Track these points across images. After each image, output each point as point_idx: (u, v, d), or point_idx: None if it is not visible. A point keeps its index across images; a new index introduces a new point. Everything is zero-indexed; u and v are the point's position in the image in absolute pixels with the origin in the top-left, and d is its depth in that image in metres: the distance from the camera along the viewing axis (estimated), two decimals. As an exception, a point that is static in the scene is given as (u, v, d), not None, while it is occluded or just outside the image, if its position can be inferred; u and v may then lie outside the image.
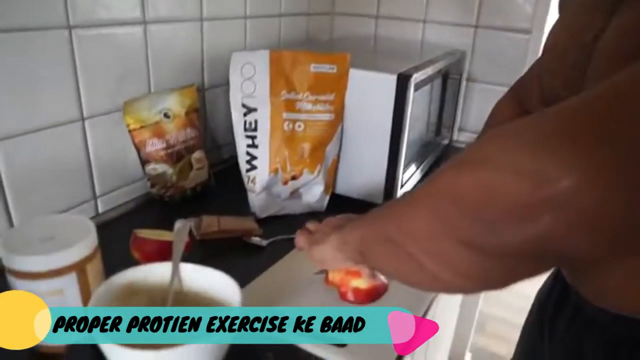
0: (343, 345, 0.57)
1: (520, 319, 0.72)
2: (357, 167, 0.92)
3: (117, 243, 0.70)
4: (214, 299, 0.52)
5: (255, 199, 0.86)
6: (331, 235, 0.49)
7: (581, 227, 0.27)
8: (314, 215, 0.91)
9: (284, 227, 0.83)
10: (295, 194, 0.89)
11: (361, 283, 0.62)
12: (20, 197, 0.71)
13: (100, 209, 0.84)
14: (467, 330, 1.58)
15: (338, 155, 0.92)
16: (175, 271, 0.52)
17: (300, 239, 0.57)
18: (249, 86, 0.82)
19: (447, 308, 1.17)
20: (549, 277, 0.67)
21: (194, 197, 0.92)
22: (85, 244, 0.52)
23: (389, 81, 0.83)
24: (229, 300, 0.49)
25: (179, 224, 0.58)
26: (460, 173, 0.32)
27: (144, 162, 0.87)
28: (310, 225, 0.59)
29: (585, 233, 0.27)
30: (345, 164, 0.93)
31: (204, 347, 0.43)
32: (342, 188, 0.95)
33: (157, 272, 0.53)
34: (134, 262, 0.66)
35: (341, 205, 0.93)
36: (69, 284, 0.51)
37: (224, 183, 0.99)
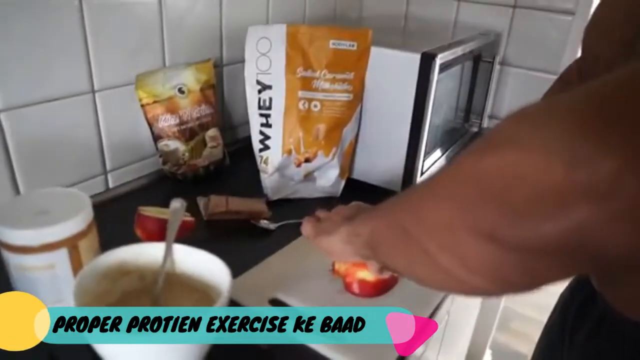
0: (343, 340, 0.54)
1: (547, 318, 0.67)
2: (376, 151, 0.88)
3: (123, 220, 0.68)
4: (205, 282, 0.49)
5: (267, 180, 0.83)
6: (341, 227, 0.47)
7: (623, 219, 0.23)
8: (328, 200, 0.87)
9: (295, 211, 0.79)
10: (309, 177, 0.85)
11: (368, 275, 0.59)
12: (28, 168, 0.70)
13: (111, 184, 0.83)
14: (488, 326, 1.52)
15: (356, 139, 0.87)
16: (168, 252, 0.50)
17: (306, 226, 0.54)
18: (264, 62, 0.78)
19: (465, 303, 1.12)
20: (573, 279, 0.62)
21: (207, 176, 0.90)
22: (79, 219, 0.51)
23: (412, 60, 0.78)
24: (219, 285, 0.47)
25: (174, 204, 0.56)
26: (483, 155, 0.28)
27: (156, 138, 0.85)
28: (320, 212, 0.56)
29: (629, 227, 0.23)
30: (364, 148, 0.89)
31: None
32: (360, 173, 0.91)
33: (150, 252, 0.51)
34: (137, 240, 0.65)
35: (358, 191, 0.89)
36: (61, 259, 0.50)
37: (240, 163, 0.96)
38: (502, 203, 0.26)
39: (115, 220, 0.69)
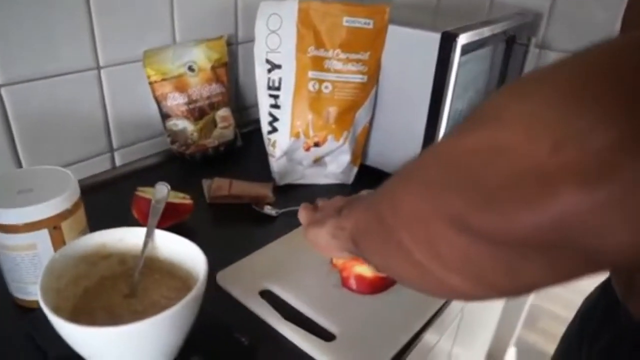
0: (332, 339, 0.50)
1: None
2: (391, 137, 0.82)
3: (127, 200, 0.67)
4: (186, 270, 0.47)
5: (275, 164, 0.80)
6: (330, 219, 0.44)
7: (617, 209, 0.18)
8: (339, 187, 0.83)
9: (302, 198, 0.75)
10: (319, 162, 0.82)
11: (366, 270, 0.55)
12: (31, 145, 0.69)
13: (118, 163, 0.82)
14: (512, 323, 1.46)
15: (370, 123, 0.82)
16: (149, 237, 0.48)
17: (302, 214, 0.51)
18: (275, 40, 0.74)
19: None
20: (597, 287, 0.57)
21: (217, 157, 0.88)
22: (62, 199, 0.49)
23: (432, 41, 0.72)
24: (196, 274, 0.44)
25: (159, 187, 0.53)
26: (463, 133, 0.24)
27: (164, 116, 0.83)
28: (320, 201, 0.52)
29: (622, 218, 0.18)
30: (379, 134, 0.84)
31: (163, 319, 0.38)
32: (374, 160, 0.86)
33: (133, 237, 0.48)
34: (135, 222, 0.64)
35: (371, 179, 0.84)
36: (42, 239, 0.48)
37: (252, 145, 0.93)
38: (476, 186, 0.22)
39: (118, 200, 0.69)
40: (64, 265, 0.44)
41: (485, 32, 0.79)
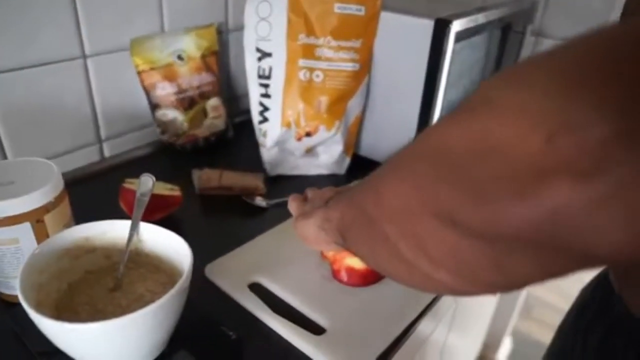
0: (322, 332, 0.49)
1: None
2: (384, 127, 0.81)
3: (115, 192, 0.65)
4: (171, 263, 0.46)
5: (267, 154, 0.79)
6: (318, 210, 0.42)
7: (610, 205, 0.17)
8: (332, 178, 0.82)
9: (294, 189, 0.74)
10: (311, 152, 0.80)
11: (357, 262, 0.54)
12: (16, 137, 0.68)
13: (107, 154, 0.80)
14: (508, 313, 1.46)
15: (363, 113, 0.81)
16: (133, 230, 0.46)
17: (291, 205, 0.50)
18: (265, 27, 0.72)
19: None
20: (593, 279, 0.56)
21: (208, 148, 0.87)
22: (44, 191, 0.48)
23: (425, 27, 0.70)
24: (182, 267, 0.43)
25: (143, 179, 0.52)
26: (452, 122, 0.24)
27: (153, 106, 0.82)
28: (309, 191, 0.51)
29: (616, 216, 0.17)
30: (371, 123, 0.82)
31: (147, 314, 0.37)
32: (367, 150, 0.85)
33: (118, 230, 0.47)
34: (124, 215, 0.62)
35: (365, 169, 0.83)
36: (25, 233, 0.47)
37: (244, 136, 0.92)
38: (465, 179, 0.21)
39: (106, 192, 0.67)
40: (46, 259, 0.43)
41: (480, 18, 0.77)
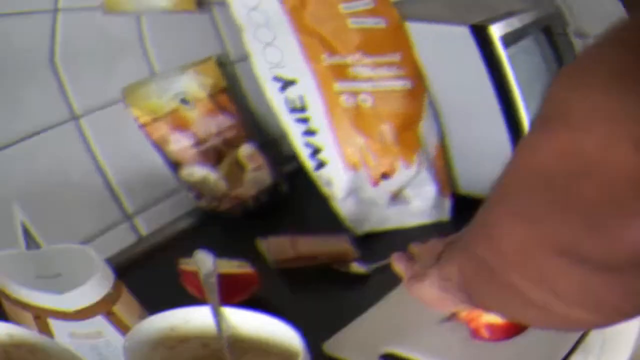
0: None
1: None
2: (475, 154, 0.83)
3: (170, 274, 0.67)
4: (276, 344, 0.47)
5: (344, 208, 0.79)
6: (432, 270, 0.47)
7: None
8: (435, 227, 0.82)
9: (393, 247, 0.73)
10: (399, 198, 0.80)
11: (495, 317, 0.57)
12: (39, 221, 0.69)
13: (146, 230, 0.82)
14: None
15: (442, 142, 0.83)
16: (219, 317, 0.48)
17: (398, 267, 0.55)
18: (274, 54, 0.75)
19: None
20: None
21: (261, 210, 0.87)
22: (97, 281, 0.52)
23: (461, 34, 0.75)
24: (291, 348, 0.45)
25: (199, 257, 0.55)
26: (536, 140, 0.29)
27: (174, 166, 0.83)
28: (415, 247, 0.57)
29: None
30: (459, 153, 0.85)
31: None
32: (467, 185, 0.86)
33: (198, 316, 0.49)
34: (188, 298, 0.64)
35: (470, 209, 0.81)
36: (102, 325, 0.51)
37: (300, 187, 0.90)
38: (570, 206, 0.26)
39: (159, 276, 0.71)
40: (141, 349, 0.45)
41: (516, 22, 0.81)
